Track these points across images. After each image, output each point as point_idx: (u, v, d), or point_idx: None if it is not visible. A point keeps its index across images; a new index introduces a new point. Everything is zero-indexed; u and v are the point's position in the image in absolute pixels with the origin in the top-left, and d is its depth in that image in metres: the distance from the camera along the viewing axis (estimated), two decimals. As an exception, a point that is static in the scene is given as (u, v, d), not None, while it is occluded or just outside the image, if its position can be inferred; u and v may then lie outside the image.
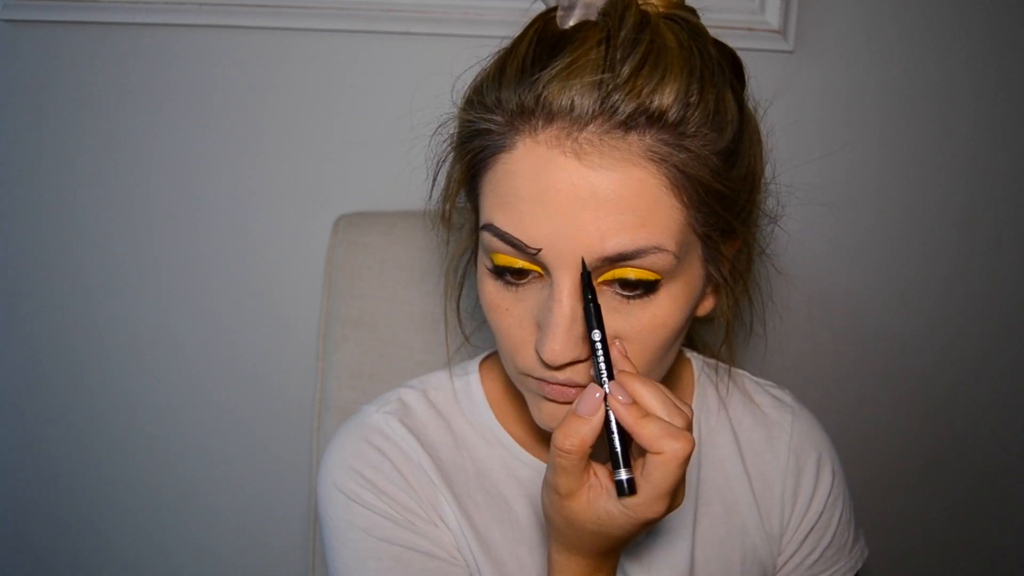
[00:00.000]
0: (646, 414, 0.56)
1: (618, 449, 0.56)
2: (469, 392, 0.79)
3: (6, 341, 1.12)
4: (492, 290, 0.64)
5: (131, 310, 1.11)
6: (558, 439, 0.56)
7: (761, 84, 0.70)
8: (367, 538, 0.72)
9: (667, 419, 0.56)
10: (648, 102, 0.56)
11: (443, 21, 1.03)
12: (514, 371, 0.66)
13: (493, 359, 0.81)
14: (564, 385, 0.62)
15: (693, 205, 0.59)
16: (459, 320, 0.84)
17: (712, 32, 0.66)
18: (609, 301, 0.60)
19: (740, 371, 0.85)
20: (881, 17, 1.10)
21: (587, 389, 0.57)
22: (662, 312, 0.61)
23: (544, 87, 0.57)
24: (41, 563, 1.19)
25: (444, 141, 0.69)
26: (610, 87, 0.56)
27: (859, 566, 0.83)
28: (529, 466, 0.76)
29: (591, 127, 0.56)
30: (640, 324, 0.61)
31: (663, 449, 0.54)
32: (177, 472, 1.17)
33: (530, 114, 0.58)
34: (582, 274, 0.58)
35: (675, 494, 0.57)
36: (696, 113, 0.58)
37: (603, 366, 0.57)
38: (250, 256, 1.11)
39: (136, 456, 1.16)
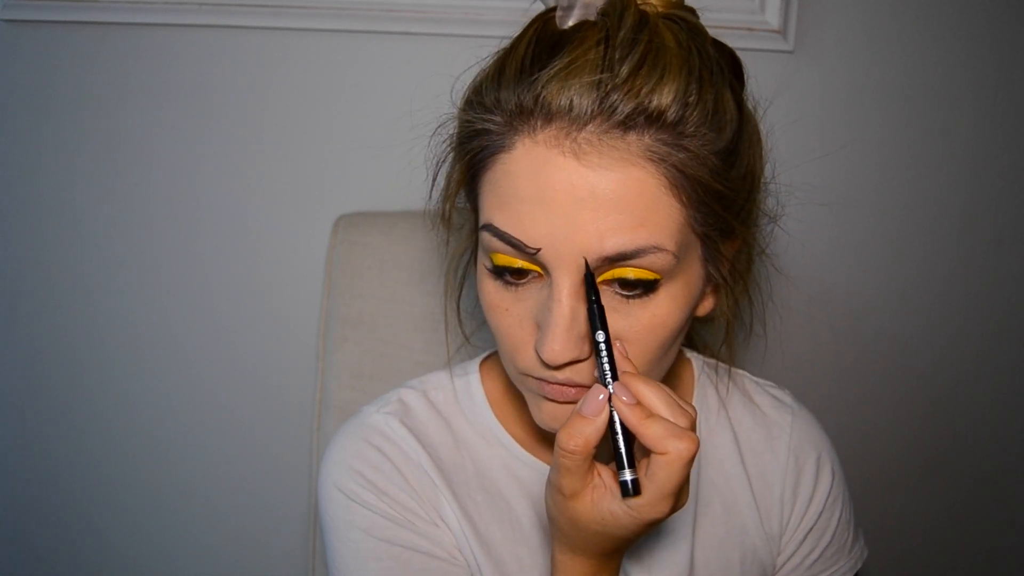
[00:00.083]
0: (650, 414, 0.56)
1: (622, 450, 0.56)
2: (469, 392, 0.79)
3: (6, 341, 1.12)
4: (492, 290, 0.64)
5: (131, 310, 1.11)
6: (562, 440, 0.56)
7: (761, 84, 0.70)
8: (368, 538, 0.72)
9: (671, 419, 0.56)
10: (647, 102, 0.56)
11: (443, 21, 1.03)
12: (514, 371, 0.66)
13: (493, 359, 0.81)
14: (564, 385, 0.62)
15: (692, 205, 0.59)
16: (459, 320, 0.84)
17: (712, 32, 0.66)
18: (608, 301, 0.60)
19: (740, 371, 0.85)
20: (881, 17, 1.10)
21: (591, 390, 0.57)
22: (661, 312, 0.61)
23: (543, 87, 0.57)
24: (41, 563, 1.19)
25: (444, 141, 0.69)
26: (609, 87, 0.56)
27: (859, 566, 0.83)
28: (529, 466, 0.76)
29: (590, 127, 0.56)
30: (639, 324, 0.61)
31: (668, 449, 0.54)
32: (177, 472, 1.17)
33: (529, 114, 0.58)
34: (586, 275, 0.58)
35: (679, 494, 0.57)
36: (695, 113, 0.58)
37: (607, 367, 0.57)
38: (250, 256, 1.11)
39: (136, 456, 1.16)
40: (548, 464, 0.76)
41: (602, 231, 0.57)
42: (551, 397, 0.63)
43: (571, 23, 0.60)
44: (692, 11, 0.66)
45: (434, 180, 0.70)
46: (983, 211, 1.18)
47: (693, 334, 0.90)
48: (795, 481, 0.80)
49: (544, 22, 0.62)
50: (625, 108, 0.56)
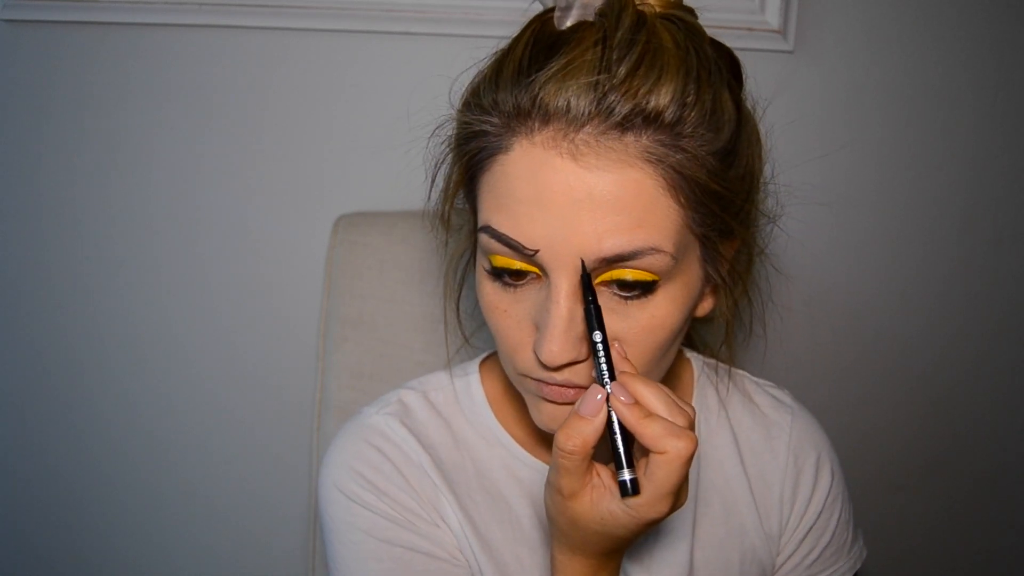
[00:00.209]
0: (648, 414, 0.56)
1: (621, 449, 0.56)
2: (469, 393, 0.79)
3: (6, 341, 1.12)
4: (490, 291, 0.64)
5: (131, 310, 1.11)
6: (560, 440, 0.56)
7: (761, 84, 0.70)
8: (368, 539, 0.72)
9: (669, 418, 0.56)
10: (644, 103, 0.56)
11: (443, 21, 1.03)
12: (513, 372, 0.66)
13: (493, 360, 0.81)
14: (563, 386, 0.62)
15: (690, 206, 0.59)
16: (459, 321, 0.84)
17: (712, 32, 0.66)
18: (607, 302, 0.60)
19: (740, 371, 0.85)
20: (881, 17, 1.10)
21: (589, 390, 0.57)
22: (660, 313, 0.61)
23: (540, 88, 0.57)
24: (41, 563, 1.19)
25: (443, 142, 0.69)
26: (606, 88, 0.56)
27: (858, 566, 0.83)
28: (529, 466, 0.76)
29: (587, 128, 0.56)
30: (638, 325, 0.61)
31: (666, 448, 0.54)
32: (177, 472, 1.17)
33: (526, 115, 0.58)
34: (582, 276, 0.58)
35: (679, 493, 0.57)
36: (693, 113, 0.58)
37: (604, 367, 0.57)
38: (250, 256, 1.11)
39: (136, 456, 1.16)
40: (548, 464, 0.76)
41: (600, 232, 0.57)
42: (550, 398, 0.63)
43: (569, 24, 0.60)
44: (690, 11, 0.66)
45: (433, 181, 0.70)
46: (983, 211, 1.18)
47: (693, 334, 0.90)
48: (794, 481, 0.80)
49: (542, 23, 0.62)
50: (623, 109, 0.56)
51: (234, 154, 1.08)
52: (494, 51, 0.65)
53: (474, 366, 0.81)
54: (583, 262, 0.58)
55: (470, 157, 0.63)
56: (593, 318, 0.58)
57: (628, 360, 0.60)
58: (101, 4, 1.00)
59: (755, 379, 0.86)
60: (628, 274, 0.59)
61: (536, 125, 0.58)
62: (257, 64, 1.05)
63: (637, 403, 0.56)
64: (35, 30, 1.02)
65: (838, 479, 0.82)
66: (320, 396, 1.01)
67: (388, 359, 0.99)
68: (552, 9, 0.62)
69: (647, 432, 0.55)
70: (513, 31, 0.64)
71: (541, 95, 0.57)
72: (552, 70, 0.57)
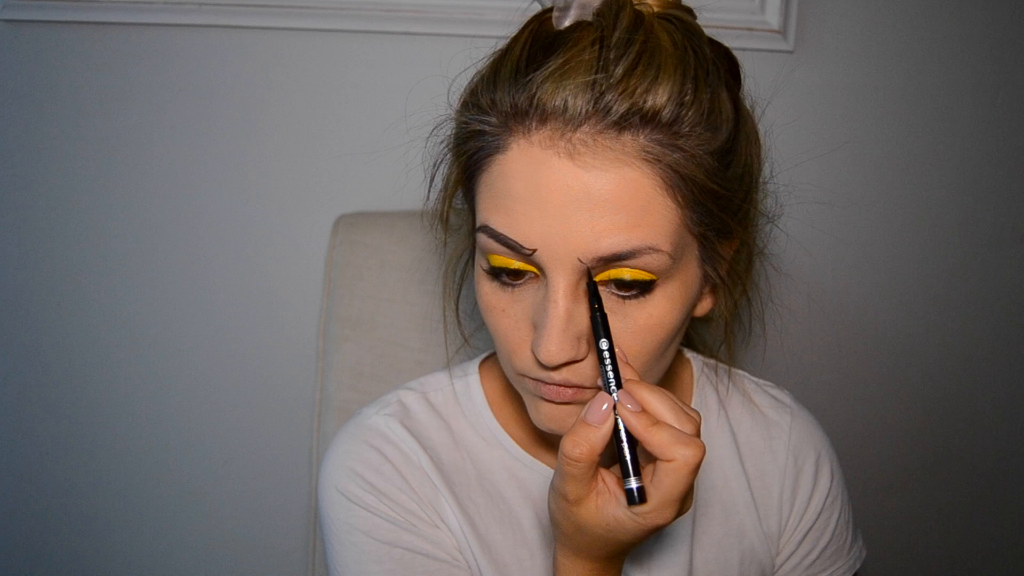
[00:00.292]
0: (656, 422, 0.56)
1: (628, 457, 0.56)
2: (469, 393, 0.79)
3: (6, 341, 1.12)
4: (489, 291, 0.64)
5: (131, 310, 1.11)
6: (567, 447, 0.56)
7: (761, 84, 0.70)
8: (369, 541, 0.72)
9: (677, 426, 0.56)
10: (641, 102, 0.56)
11: (443, 21, 1.03)
12: (511, 372, 0.66)
13: (493, 360, 0.81)
14: (561, 386, 0.62)
15: (688, 205, 0.59)
16: (458, 321, 0.84)
17: (712, 32, 0.66)
18: (605, 301, 0.60)
19: (739, 371, 0.85)
20: (881, 17, 1.10)
21: (595, 398, 0.57)
22: (658, 312, 0.61)
23: (537, 88, 0.57)
24: (41, 563, 1.19)
25: (441, 142, 0.69)
26: (603, 87, 0.56)
27: (857, 566, 0.83)
28: (529, 467, 0.76)
29: (584, 127, 0.56)
30: (636, 325, 0.61)
31: (674, 456, 0.54)
32: (177, 472, 1.17)
33: (524, 115, 0.58)
34: (588, 283, 0.58)
35: (684, 500, 0.57)
36: (690, 113, 0.58)
37: (611, 374, 0.57)
38: (250, 256, 1.11)
39: (136, 456, 1.16)
40: (548, 465, 0.76)
41: (597, 232, 0.57)
42: (548, 398, 0.63)
43: (567, 23, 0.60)
44: (689, 11, 0.66)
45: (432, 181, 0.71)
46: (983, 211, 1.18)
47: (692, 334, 0.90)
48: (794, 481, 0.80)
49: (540, 23, 0.62)
50: (620, 108, 0.56)
51: (234, 154, 1.08)
52: (493, 51, 0.65)
53: (474, 366, 0.81)
54: (589, 270, 0.58)
55: (468, 157, 0.63)
56: (599, 326, 0.58)
57: (629, 365, 0.60)
58: (101, 4, 1.00)
59: (755, 379, 0.86)
60: (626, 273, 0.59)
61: (533, 125, 0.58)
62: (257, 64, 1.05)
63: (644, 411, 0.56)
64: (35, 30, 1.02)
65: (838, 479, 0.82)
66: (320, 396, 1.01)
67: (388, 359, 0.99)
68: (550, 9, 0.62)
69: (655, 440, 0.55)
70: (512, 31, 0.64)
71: (538, 95, 0.57)
72: (549, 70, 0.57)
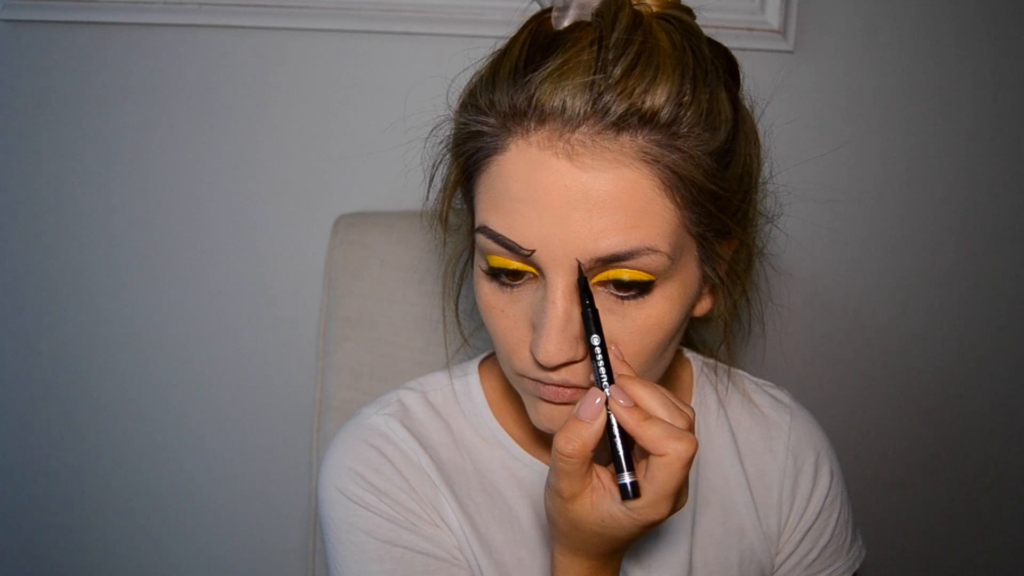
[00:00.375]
0: (648, 417, 0.56)
1: (620, 453, 0.56)
2: (469, 393, 0.79)
3: (6, 341, 1.12)
4: (488, 292, 0.64)
5: (131, 310, 1.11)
6: (560, 443, 0.56)
7: (760, 84, 0.70)
8: (369, 540, 0.72)
9: (669, 421, 0.56)
10: (640, 102, 0.56)
11: (443, 21, 1.03)
12: (511, 372, 0.66)
13: (492, 360, 0.81)
14: (560, 386, 0.62)
15: (686, 206, 0.59)
16: (457, 321, 0.84)
17: (711, 32, 0.65)
18: (603, 302, 0.60)
19: (739, 371, 0.85)
20: (881, 17, 1.10)
21: (588, 393, 0.57)
22: (657, 313, 0.61)
23: (536, 88, 0.57)
24: (41, 563, 1.19)
25: (440, 143, 0.69)
26: (602, 88, 0.56)
27: (857, 566, 0.83)
28: (529, 467, 0.76)
29: (583, 128, 0.56)
30: (635, 325, 0.61)
31: (666, 451, 0.54)
32: (177, 471, 1.17)
33: (522, 116, 0.58)
34: (579, 279, 0.58)
35: (679, 495, 0.57)
36: (689, 113, 0.58)
37: (603, 370, 0.57)
38: (250, 256, 1.11)
39: (136, 456, 1.16)
40: (548, 465, 0.76)
41: (595, 232, 0.57)
42: (547, 398, 0.63)
43: (566, 24, 0.60)
44: (688, 11, 0.66)
45: (431, 182, 0.71)
46: (983, 211, 1.18)
47: (692, 334, 0.90)
48: (793, 481, 0.80)
49: (539, 23, 0.62)
50: (618, 109, 0.56)
51: (234, 154, 1.08)
52: (492, 51, 0.65)
53: (473, 366, 0.81)
54: (580, 265, 0.58)
55: (467, 157, 0.63)
56: (591, 321, 0.58)
57: (626, 363, 0.60)
58: (101, 4, 1.00)
59: (754, 379, 0.86)
60: (624, 274, 0.59)
61: (532, 125, 0.58)
62: (257, 64, 1.05)
63: (636, 406, 0.56)
64: (35, 30, 1.02)
65: (837, 479, 0.82)
66: (320, 396, 1.01)
67: (388, 359, 0.99)
68: (549, 9, 0.62)
69: (647, 435, 0.55)
70: (511, 31, 0.64)
71: (537, 95, 0.57)
72: (548, 70, 0.57)
